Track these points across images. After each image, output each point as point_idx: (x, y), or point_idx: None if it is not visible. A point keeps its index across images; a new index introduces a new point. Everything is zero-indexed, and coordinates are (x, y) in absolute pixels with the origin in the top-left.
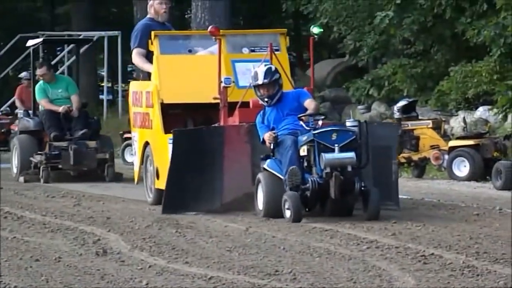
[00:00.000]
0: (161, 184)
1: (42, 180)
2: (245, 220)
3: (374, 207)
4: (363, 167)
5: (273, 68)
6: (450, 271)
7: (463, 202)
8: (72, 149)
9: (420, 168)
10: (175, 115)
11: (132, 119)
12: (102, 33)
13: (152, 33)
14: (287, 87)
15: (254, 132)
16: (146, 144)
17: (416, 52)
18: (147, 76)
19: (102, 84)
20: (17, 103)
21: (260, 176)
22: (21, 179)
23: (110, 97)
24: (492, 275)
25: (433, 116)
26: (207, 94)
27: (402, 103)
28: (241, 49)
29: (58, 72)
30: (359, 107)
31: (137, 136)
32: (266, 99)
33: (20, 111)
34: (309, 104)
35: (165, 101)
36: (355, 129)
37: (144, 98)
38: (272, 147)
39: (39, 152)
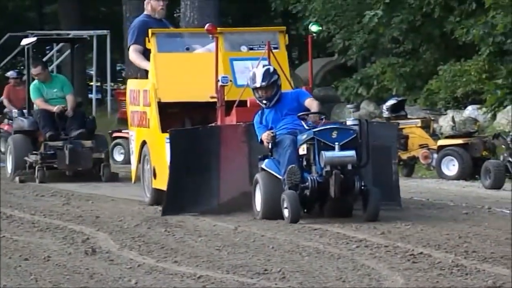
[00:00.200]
0: (158, 183)
1: (37, 180)
2: (234, 219)
3: (374, 207)
4: (363, 166)
5: (272, 69)
6: (439, 270)
7: (452, 201)
8: (68, 148)
9: (409, 167)
10: (173, 114)
11: (129, 118)
12: (91, 32)
13: (150, 31)
14: (286, 86)
15: (251, 131)
16: (144, 143)
17: (405, 51)
18: (145, 74)
19: (91, 83)
20: (5, 103)
21: (258, 176)
22: (17, 179)
23: (99, 96)
24: (481, 274)
25: (422, 115)
26: (205, 93)
27: (391, 102)
28: (239, 47)
29: None
30: (348, 106)
31: (134, 135)
32: (264, 101)
33: (9, 111)
34: (310, 103)
35: (163, 100)
36: (356, 127)
37: (142, 97)
38: (270, 146)
39: (34, 152)
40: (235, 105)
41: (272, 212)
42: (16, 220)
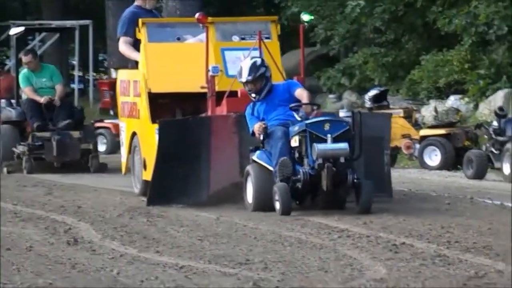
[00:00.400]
0: (148, 175)
1: (25, 171)
2: (217, 210)
3: (366, 200)
4: (355, 159)
5: (259, 62)
6: (421, 260)
7: (434, 191)
8: (55, 139)
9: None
10: (163, 105)
11: (119, 109)
12: (74, 22)
13: (140, 20)
14: (277, 77)
15: (242, 122)
16: (134, 134)
17: (387, 41)
18: (135, 65)
19: (73, 73)
20: None
21: (249, 168)
22: (4, 170)
23: (81, 86)
24: (463, 264)
25: (404, 105)
26: (196, 83)
27: (373, 92)
28: (231, 37)
29: None
30: (330, 96)
31: (124, 126)
32: (253, 95)
33: None
34: (301, 93)
35: (153, 91)
36: (349, 119)
37: (132, 88)
38: (262, 138)
39: (21, 143)
40: (225, 95)
41: (264, 205)
42: None
